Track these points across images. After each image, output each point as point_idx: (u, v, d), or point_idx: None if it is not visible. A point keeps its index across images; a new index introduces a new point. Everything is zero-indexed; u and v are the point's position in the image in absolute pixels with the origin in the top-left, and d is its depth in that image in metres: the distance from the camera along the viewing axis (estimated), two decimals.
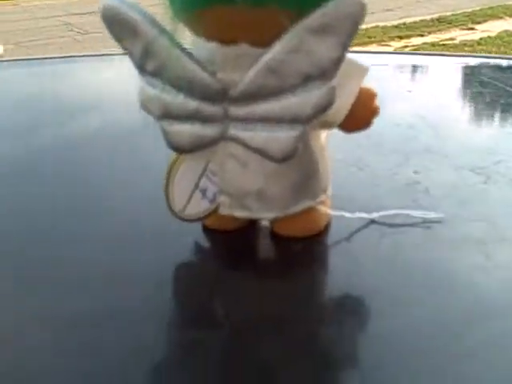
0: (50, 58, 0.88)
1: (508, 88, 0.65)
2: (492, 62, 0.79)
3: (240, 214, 0.34)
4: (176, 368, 0.26)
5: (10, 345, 0.27)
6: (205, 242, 0.36)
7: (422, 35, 4.61)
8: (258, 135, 0.31)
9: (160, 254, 0.34)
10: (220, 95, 0.30)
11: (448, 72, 0.73)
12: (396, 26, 4.65)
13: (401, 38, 4.44)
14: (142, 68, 0.31)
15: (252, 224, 0.36)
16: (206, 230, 0.36)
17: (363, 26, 0.29)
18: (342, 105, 0.32)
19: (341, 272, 0.33)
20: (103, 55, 0.84)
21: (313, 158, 0.34)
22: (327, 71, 0.29)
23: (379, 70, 0.65)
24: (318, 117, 0.30)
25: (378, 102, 0.34)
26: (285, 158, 0.31)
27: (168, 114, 0.31)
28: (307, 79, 0.29)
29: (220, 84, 0.30)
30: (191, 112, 0.31)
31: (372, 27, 4.41)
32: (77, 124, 0.56)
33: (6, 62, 0.95)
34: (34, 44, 4.30)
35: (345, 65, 0.29)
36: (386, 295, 0.30)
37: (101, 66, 0.82)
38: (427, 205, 0.38)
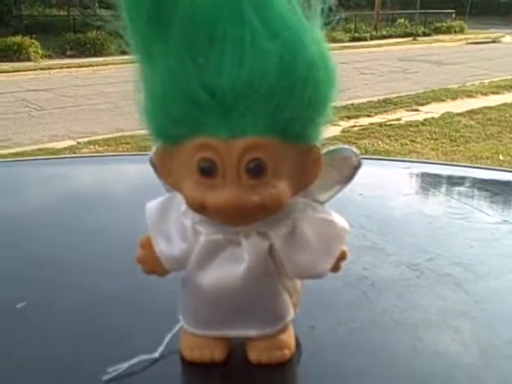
0: None
1: (440, 192, 0.77)
2: (431, 167, 0.94)
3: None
4: None
5: None
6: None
7: (369, 115, 4.86)
8: None
9: None
10: None
11: (392, 176, 0.86)
12: (344, 107, 4.85)
13: (349, 118, 4.65)
14: None
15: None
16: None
17: None
18: None
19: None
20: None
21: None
22: None
23: None
24: None
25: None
26: None
27: None
28: None
29: None
30: None
31: None
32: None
33: None
34: None
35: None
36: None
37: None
38: (373, 297, 0.48)
